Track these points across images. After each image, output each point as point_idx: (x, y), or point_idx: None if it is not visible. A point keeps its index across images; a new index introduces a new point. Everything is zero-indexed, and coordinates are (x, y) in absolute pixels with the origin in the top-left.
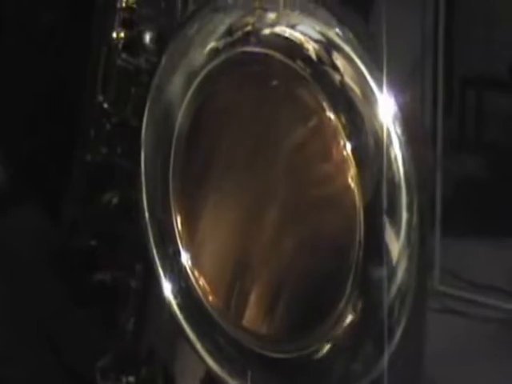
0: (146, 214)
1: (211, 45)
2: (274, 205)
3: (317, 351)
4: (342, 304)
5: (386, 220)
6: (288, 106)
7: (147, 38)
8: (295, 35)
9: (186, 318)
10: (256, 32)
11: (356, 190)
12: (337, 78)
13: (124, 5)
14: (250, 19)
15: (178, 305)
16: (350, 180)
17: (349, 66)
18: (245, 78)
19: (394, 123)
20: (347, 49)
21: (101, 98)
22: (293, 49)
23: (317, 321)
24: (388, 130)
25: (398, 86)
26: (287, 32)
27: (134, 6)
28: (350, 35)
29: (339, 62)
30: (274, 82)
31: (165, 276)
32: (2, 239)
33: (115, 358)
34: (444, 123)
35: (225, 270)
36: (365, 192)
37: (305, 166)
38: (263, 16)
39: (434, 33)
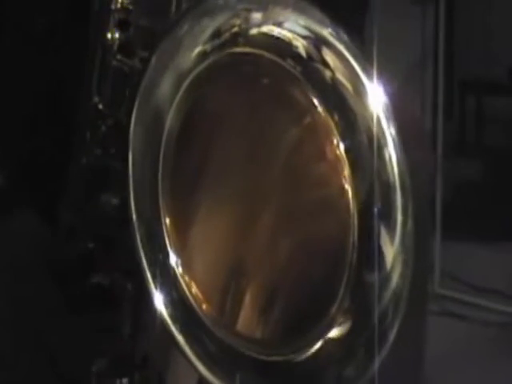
0: (134, 216)
1: (199, 48)
2: (268, 208)
3: (310, 355)
4: (334, 308)
5: (380, 222)
6: (280, 106)
7: (142, 38)
8: (283, 33)
9: (178, 327)
10: (243, 33)
11: (350, 191)
12: (328, 74)
13: (119, 6)
14: (237, 20)
15: (170, 314)
16: (343, 181)
17: (339, 62)
18: (235, 79)
19: (388, 122)
20: (337, 43)
21: (96, 98)
22: (282, 47)
23: (310, 324)
24: (382, 129)
25: (392, 83)
26: (275, 31)
27: (129, 6)
28: (341, 32)
29: (329, 57)
30: (265, 83)
31: (155, 283)
32: None
33: (110, 362)
34: (444, 127)
35: (218, 275)
36: (359, 193)
37: (298, 167)
38: (249, 16)
39: (434, 37)
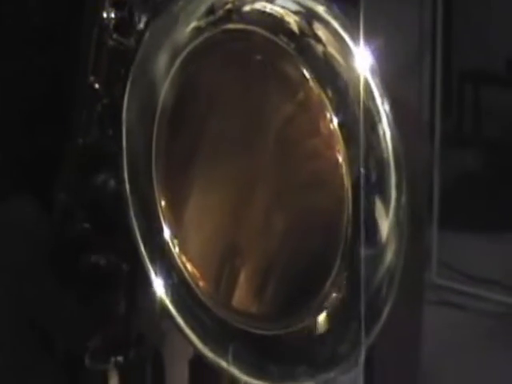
0: (128, 190)
1: (194, 24)
2: (262, 185)
3: (305, 329)
4: (329, 282)
5: (374, 196)
6: (273, 82)
7: (138, 18)
8: (275, 9)
9: (174, 304)
10: (237, 9)
11: (344, 166)
12: (320, 49)
13: None
14: None
15: (167, 293)
16: (337, 155)
17: (331, 36)
18: (228, 56)
19: (381, 99)
20: (328, 18)
21: (92, 78)
22: (274, 23)
23: (305, 299)
24: (376, 105)
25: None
26: (267, 7)
27: None
28: (333, 6)
29: (321, 32)
30: (258, 59)
31: (151, 263)
32: None
33: (105, 340)
34: (442, 118)
35: (214, 253)
36: (353, 168)
37: (292, 142)
38: None
39: (432, 28)
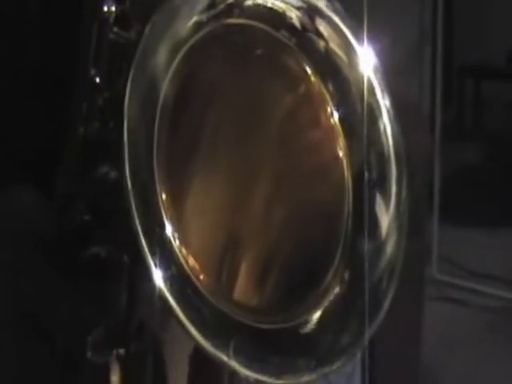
0: (129, 183)
1: (195, 18)
2: (263, 177)
3: (305, 322)
4: (330, 274)
5: (375, 191)
6: (274, 76)
7: (138, 11)
8: (277, 4)
9: (175, 297)
10: (238, 4)
11: (344, 160)
12: (321, 44)
13: None
14: None
15: (167, 286)
16: (338, 149)
17: (333, 31)
18: (230, 50)
19: (382, 94)
20: (330, 13)
21: (93, 71)
22: (276, 18)
23: (306, 292)
24: (377, 100)
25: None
26: (269, 1)
27: None
28: (335, 2)
29: (322, 27)
30: (259, 53)
31: (152, 255)
32: None
33: (106, 332)
34: (442, 111)
35: (214, 246)
36: (353, 162)
37: (293, 135)
38: None
39: (432, 22)
